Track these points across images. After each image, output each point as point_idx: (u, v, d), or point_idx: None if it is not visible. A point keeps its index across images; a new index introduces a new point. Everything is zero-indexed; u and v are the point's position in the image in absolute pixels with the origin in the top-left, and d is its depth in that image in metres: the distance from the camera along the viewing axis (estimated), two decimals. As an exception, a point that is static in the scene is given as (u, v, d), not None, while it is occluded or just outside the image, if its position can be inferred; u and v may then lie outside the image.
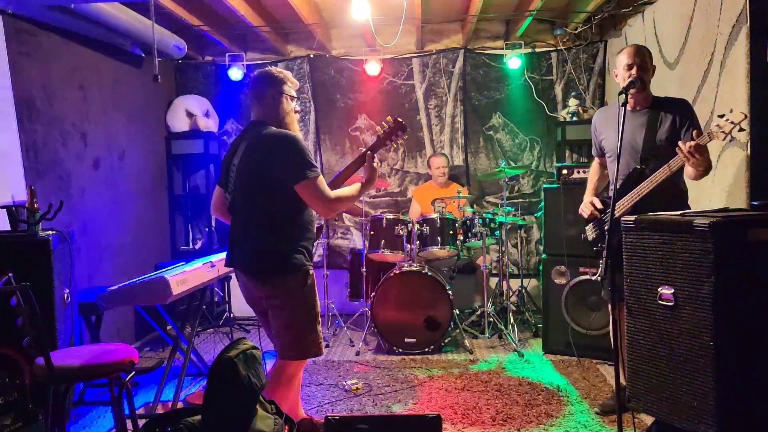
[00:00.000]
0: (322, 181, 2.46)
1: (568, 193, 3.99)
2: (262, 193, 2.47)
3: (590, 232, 3.17)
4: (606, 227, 2.56)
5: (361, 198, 4.24)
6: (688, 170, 2.75)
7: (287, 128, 2.56)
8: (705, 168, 2.68)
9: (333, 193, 2.49)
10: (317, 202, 2.46)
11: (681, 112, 2.88)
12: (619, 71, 2.92)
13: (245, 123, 5.64)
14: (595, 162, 3.32)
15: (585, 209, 3.16)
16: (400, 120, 2.71)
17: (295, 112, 2.64)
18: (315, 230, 2.65)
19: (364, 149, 2.68)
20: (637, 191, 2.80)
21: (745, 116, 2.48)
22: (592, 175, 3.34)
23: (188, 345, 3.38)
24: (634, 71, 2.84)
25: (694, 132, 2.62)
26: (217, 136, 5.67)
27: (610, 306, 3.09)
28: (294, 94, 2.65)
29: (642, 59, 2.87)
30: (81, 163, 4.16)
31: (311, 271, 2.55)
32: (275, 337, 2.56)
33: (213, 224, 5.65)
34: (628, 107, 2.53)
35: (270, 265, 2.47)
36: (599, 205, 3.10)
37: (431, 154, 5.37)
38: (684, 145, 2.57)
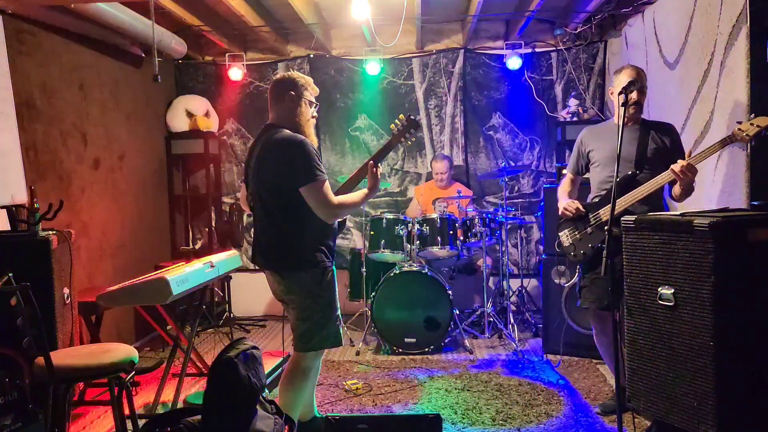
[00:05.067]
0: (327, 187, 2.49)
1: (568, 193, 3.98)
2: (274, 196, 2.54)
3: (565, 238, 3.13)
4: (606, 227, 2.56)
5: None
6: (675, 190, 2.83)
7: (302, 132, 2.59)
8: (689, 191, 2.79)
9: (337, 199, 2.53)
10: (320, 206, 2.48)
11: (671, 138, 2.99)
12: (617, 91, 2.91)
13: (245, 123, 5.69)
14: (567, 179, 3.29)
15: (570, 207, 3.06)
16: (412, 117, 2.72)
17: (313, 117, 2.69)
18: (336, 226, 2.70)
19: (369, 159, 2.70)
20: (627, 198, 2.82)
21: None
22: (562, 191, 3.26)
23: (188, 345, 3.38)
24: (634, 95, 2.88)
25: (677, 160, 2.69)
26: (217, 136, 5.66)
27: (593, 312, 3.07)
28: (313, 99, 2.69)
29: (642, 83, 2.94)
30: (81, 163, 4.16)
31: (330, 268, 2.61)
32: (292, 329, 2.63)
33: (213, 224, 5.65)
34: (621, 122, 2.57)
35: (288, 261, 2.55)
36: (581, 209, 3.05)
37: (433, 157, 5.35)
38: (680, 164, 2.64)
